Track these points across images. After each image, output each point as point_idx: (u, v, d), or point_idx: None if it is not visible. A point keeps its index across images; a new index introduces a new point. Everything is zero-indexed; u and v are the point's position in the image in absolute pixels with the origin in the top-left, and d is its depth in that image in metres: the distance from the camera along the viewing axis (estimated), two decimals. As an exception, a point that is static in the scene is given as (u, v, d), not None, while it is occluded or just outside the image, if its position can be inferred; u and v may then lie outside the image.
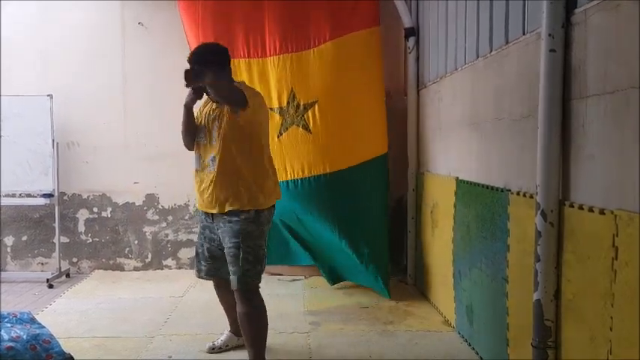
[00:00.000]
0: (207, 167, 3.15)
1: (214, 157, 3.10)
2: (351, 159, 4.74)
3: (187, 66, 2.96)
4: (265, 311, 3.24)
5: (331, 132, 4.70)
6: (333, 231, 4.71)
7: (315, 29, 4.76)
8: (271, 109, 4.70)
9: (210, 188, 3.13)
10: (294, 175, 4.77)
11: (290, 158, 4.77)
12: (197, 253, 3.40)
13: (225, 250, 3.15)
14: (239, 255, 3.07)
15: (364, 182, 4.74)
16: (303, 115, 4.73)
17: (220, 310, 3.66)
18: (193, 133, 3.22)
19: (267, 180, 3.20)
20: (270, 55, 4.83)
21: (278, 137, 4.78)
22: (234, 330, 3.58)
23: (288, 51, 4.78)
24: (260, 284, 3.19)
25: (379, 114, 4.83)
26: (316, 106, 4.70)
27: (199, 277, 3.42)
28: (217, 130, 3.11)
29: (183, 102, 3.15)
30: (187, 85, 2.86)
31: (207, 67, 2.88)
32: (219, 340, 3.62)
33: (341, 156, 4.72)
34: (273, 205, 3.26)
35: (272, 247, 4.89)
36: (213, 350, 3.56)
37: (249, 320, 3.14)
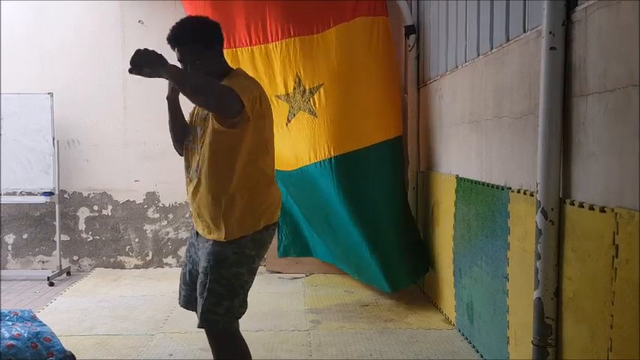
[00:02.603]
0: (192, 178, 2.53)
1: (198, 166, 2.49)
2: (358, 142, 4.59)
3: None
4: None
5: (336, 114, 4.56)
6: (349, 218, 4.54)
7: (318, 16, 4.70)
8: (278, 96, 4.66)
9: (194, 204, 2.53)
10: (302, 163, 4.64)
11: (299, 145, 4.66)
12: (180, 275, 2.76)
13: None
14: (205, 284, 2.44)
15: (374, 165, 4.62)
16: (309, 100, 4.62)
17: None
18: (180, 133, 2.61)
19: (260, 197, 2.51)
20: (273, 41, 4.72)
21: (286, 125, 4.68)
22: None
23: (290, 35, 4.67)
24: (236, 325, 2.49)
25: (390, 99, 4.72)
26: (322, 89, 4.57)
27: (180, 305, 2.74)
28: (202, 132, 2.49)
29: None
30: (131, 71, 2.37)
31: (193, 47, 2.45)
32: None
33: (347, 138, 4.56)
34: (268, 226, 2.54)
35: (289, 238, 5.14)
36: None
37: None
